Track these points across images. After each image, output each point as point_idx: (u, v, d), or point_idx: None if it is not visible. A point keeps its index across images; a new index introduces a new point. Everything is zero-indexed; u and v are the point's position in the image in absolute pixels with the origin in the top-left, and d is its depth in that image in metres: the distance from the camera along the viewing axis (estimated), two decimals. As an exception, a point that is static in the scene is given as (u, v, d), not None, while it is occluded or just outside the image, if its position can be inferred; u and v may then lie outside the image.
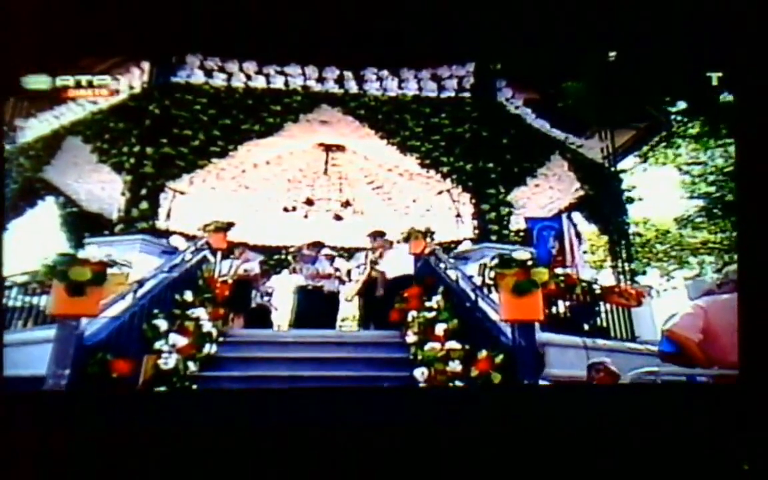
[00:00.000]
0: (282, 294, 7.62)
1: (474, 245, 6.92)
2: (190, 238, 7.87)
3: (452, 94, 6.80)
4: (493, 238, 6.80)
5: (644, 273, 8.03)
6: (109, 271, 4.95)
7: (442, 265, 6.45)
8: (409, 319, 6.12)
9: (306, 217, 7.99)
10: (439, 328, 5.77)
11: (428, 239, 6.75)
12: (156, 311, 5.58)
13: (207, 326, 5.89)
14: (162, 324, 5.51)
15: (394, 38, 5.42)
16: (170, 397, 5.20)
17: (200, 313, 5.95)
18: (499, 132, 6.88)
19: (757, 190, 4.54)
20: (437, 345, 5.61)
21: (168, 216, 7.11)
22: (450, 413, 4.60)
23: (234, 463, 4.25)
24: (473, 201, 7.07)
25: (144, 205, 6.70)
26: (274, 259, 9.03)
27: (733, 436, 4.20)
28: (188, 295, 6.01)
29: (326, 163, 7.84)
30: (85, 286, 4.78)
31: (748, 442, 4.17)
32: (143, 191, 6.74)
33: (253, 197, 8.46)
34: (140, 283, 5.57)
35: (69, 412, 4.43)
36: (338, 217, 8.01)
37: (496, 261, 5.20)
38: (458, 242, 7.94)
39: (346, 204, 7.90)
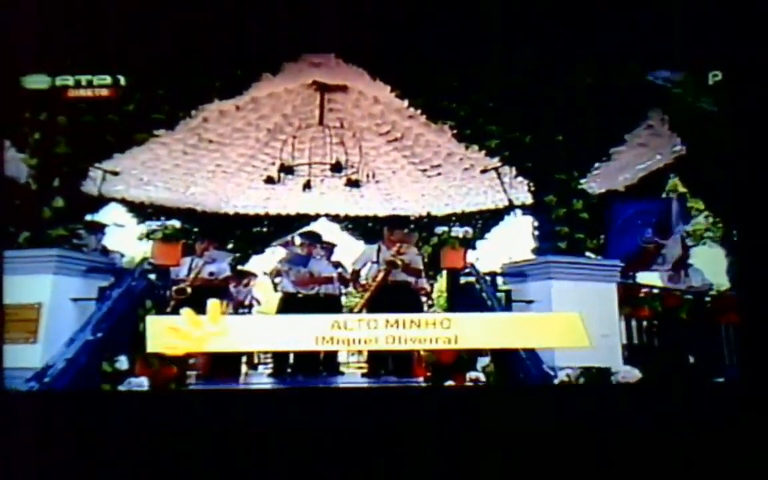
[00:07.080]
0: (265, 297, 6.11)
1: (535, 255, 5.27)
2: (134, 207, 6.26)
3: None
4: (562, 245, 5.13)
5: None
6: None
7: (485, 297, 4.91)
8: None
9: (309, 187, 6.26)
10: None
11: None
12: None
13: (150, 405, 4.50)
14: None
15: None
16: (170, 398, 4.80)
17: (141, 384, 4.55)
18: (572, 85, 5.00)
19: (757, 189, 4.67)
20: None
21: (97, 204, 5.46)
22: (452, 414, 4.56)
23: (228, 465, 4.31)
24: (532, 189, 5.32)
25: (59, 201, 5.06)
26: (254, 232, 7.32)
27: (733, 436, 4.32)
28: (122, 363, 4.59)
29: (321, 107, 6.00)
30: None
31: (748, 442, 4.31)
32: (56, 182, 5.05)
33: (219, 155, 6.61)
34: (44, 372, 4.14)
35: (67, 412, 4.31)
36: (353, 183, 6.27)
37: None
38: (500, 211, 6.28)
39: (337, 166, 6.10)
